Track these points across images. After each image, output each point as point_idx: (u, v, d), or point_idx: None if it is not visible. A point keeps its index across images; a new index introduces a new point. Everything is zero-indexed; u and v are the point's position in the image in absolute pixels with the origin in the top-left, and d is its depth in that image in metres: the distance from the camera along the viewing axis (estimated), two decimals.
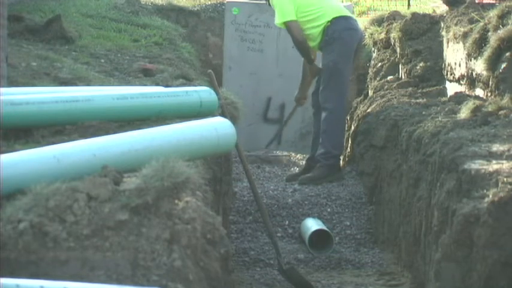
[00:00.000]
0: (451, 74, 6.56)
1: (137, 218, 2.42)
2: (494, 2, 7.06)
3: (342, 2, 9.82)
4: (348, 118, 8.01)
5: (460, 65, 6.23)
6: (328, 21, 7.16)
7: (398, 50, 7.98)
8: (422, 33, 7.75)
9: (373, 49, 8.95)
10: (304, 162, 8.13)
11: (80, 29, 7.12)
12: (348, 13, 7.33)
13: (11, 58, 4.75)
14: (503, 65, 5.18)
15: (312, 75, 7.43)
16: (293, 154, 9.20)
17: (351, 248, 6.01)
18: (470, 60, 5.85)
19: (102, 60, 6.07)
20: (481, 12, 6.19)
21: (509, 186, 3.31)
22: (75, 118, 3.50)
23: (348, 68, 7.17)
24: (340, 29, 7.17)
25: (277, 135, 8.77)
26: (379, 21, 9.01)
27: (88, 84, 4.69)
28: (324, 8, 7.20)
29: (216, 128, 3.40)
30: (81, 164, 2.74)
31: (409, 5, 12.93)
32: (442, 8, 8.65)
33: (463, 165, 3.79)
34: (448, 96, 6.32)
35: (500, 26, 5.41)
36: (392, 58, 8.26)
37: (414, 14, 8.09)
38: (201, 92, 4.00)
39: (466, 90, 6.04)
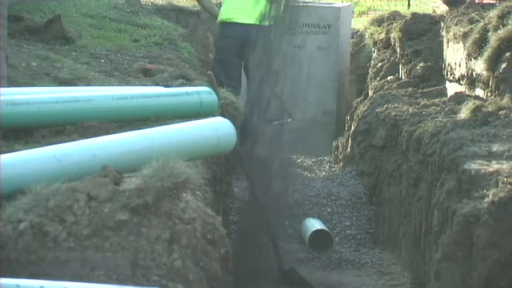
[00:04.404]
0: (451, 74, 6.56)
1: (137, 218, 2.42)
2: (494, 2, 7.06)
3: (342, 2, 9.79)
4: (348, 118, 8.00)
5: (460, 65, 6.23)
6: (219, 25, 7.41)
7: (398, 50, 7.97)
8: (422, 33, 7.74)
9: (373, 49, 8.94)
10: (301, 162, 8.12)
11: (80, 29, 7.10)
12: (241, 19, 7.25)
13: (11, 58, 4.74)
14: (503, 65, 5.17)
15: None
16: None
17: (351, 248, 6.00)
18: (470, 60, 5.84)
19: (102, 60, 6.05)
20: (481, 12, 6.18)
21: (509, 186, 3.31)
22: (76, 118, 3.49)
23: (224, 74, 7.14)
24: (217, 36, 7.53)
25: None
26: (379, 21, 9.00)
27: (88, 84, 4.68)
28: (225, 8, 7.36)
29: (216, 128, 3.40)
30: (81, 164, 2.74)
31: (409, 5, 12.94)
32: (442, 8, 8.65)
33: (463, 165, 3.79)
34: (448, 96, 6.32)
35: (500, 26, 5.40)
36: (392, 58, 8.25)
37: (414, 14, 8.09)
38: (201, 92, 4.00)
39: (466, 90, 6.03)
